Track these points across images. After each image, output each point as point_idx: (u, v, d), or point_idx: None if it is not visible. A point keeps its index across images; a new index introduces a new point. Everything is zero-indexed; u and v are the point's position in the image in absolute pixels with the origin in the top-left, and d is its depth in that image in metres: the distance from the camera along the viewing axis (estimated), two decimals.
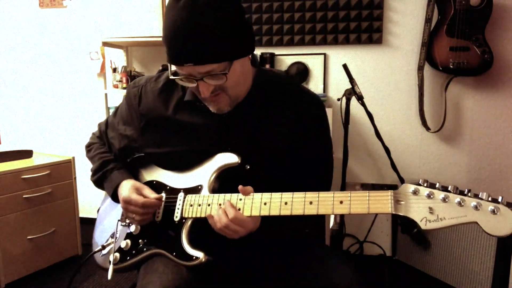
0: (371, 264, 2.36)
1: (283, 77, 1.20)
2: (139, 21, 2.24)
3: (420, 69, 2.25)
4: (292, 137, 1.05)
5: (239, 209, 0.93)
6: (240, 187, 0.93)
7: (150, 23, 2.23)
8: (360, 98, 1.90)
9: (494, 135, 2.29)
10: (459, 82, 2.27)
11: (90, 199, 2.85)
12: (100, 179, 1.16)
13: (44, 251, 2.19)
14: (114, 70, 2.47)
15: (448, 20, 2.11)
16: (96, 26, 2.32)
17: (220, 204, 0.96)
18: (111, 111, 2.43)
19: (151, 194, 1.05)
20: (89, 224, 2.70)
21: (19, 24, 2.84)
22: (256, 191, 0.94)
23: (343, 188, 2.02)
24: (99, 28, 2.31)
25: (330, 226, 2.19)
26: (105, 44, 2.39)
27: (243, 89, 1.02)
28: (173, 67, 0.96)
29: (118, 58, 2.60)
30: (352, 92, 1.92)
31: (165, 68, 2.45)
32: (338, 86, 2.40)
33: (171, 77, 0.95)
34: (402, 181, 1.98)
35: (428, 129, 2.31)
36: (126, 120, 1.15)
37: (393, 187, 2.63)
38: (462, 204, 0.75)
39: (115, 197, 1.12)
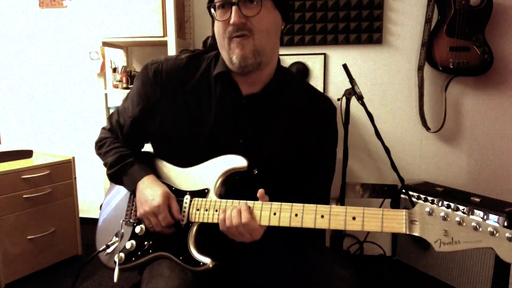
0: (371, 264, 2.36)
1: (301, 79, 1.20)
2: (139, 21, 2.24)
3: (420, 69, 2.25)
4: (303, 140, 1.05)
5: None
6: (260, 191, 0.92)
7: (150, 23, 2.23)
8: (360, 98, 1.90)
9: (494, 135, 2.29)
10: (459, 82, 2.27)
11: (90, 199, 2.85)
12: (118, 173, 1.12)
13: (44, 251, 2.18)
14: (114, 70, 2.46)
15: (448, 20, 2.11)
16: (96, 26, 2.32)
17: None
18: (111, 111, 2.43)
19: (177, 214, 1.01)
20: (89, 224, 2.70)
21: (19, 24, 2.85)
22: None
23: (343, 188, 2.02)
24: (99, 28, 2.31)
25: None
26: (105, 44, 2.39)
27: (270, 50, 1.01)
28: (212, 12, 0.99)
29: (118, 58, 2.60)
30: (352, 92, 1.92)
31: None
32: (338, 86, 2.40)
33: (207, 5, 0.98)
34: (402, 181, 1.98)
35: (428, 129, 2.31)
36: (140, 99, 1.11)
37: (393, 187, 2.62)
38: (478, 228, 0.74)
39: (135, 192, 1.09)
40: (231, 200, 0.96)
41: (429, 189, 2.15)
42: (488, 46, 2.09)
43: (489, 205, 1.87)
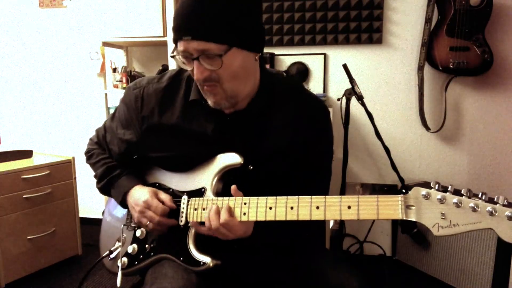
0: (371, 264, 2.36)
1: (290, 80, 1.16)
2: (139, 21, 2.24)
3: (420, 69, 2.25)
4: (295, 141, 1.03)
5: (244, 214, 0.91)
6: (233, 186, 0.93)
7: (150, 23, 2.23)
8: (360, 98, 1.90)
9: (494, 135, 2.29)
10: (459, 82, 2.27)
11: (90, 199, 2.85)
12: (106, 186, 1.13)
13: (44, 251, 2.18)
14: (114, 70, 2.47)
15: (448, 20, 2.11)
16: (96, 26, 2.32)
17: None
18: (111, 111, 2.43)
19: (168, 201, 1.02)
20: (89, 224, 2.70)
21: (19, 24, 2.85)
22: (259, 192, 0.93)
23: (343, 188, 2.03)
24: (99, 28, 2.31)
25: (330, 226, 2.19)
26: (105, 44, 2.39)
27: (243, 88, 0.97)
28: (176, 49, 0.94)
29: (118, 58, 2.60)
30: (352, 92, 1.92)
31: (165, 68, 2.44)
32: (338, 86, 2.40)
33: (170, 54, 0.94)
34: (402, 181, 1.98)
35: (428, 129, 2.31)
36: (125, 123, 1.11)
37: (393, 187, 2.63)
38: (477, 209, 0.71)
39: (123, 204, 1.10)
40: (227, 198, 0.95)
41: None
42: (488, 46, 2.09)
43: None
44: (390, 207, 0.79)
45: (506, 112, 2.26)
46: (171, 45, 2.23)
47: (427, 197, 0.76)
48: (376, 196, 0.81)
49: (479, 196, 0.72)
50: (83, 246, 2.41)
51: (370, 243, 2.39)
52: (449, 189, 0.76)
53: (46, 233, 2.18)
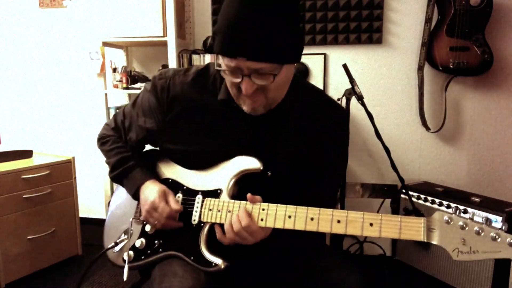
0: (371, 264, 2.36)
1: (311, 85, 1.17)
2: (139, 21, 2.24)
3: (420, 69, 2.25)
4: (315, 146, 1.04)
5: (262, 220, 0.92)
6: (248, 195, 0.93)
7: (150, 23, 2.23)
8: (360, 98, 1.90)
9: (494, 135, 2.29)
10: (459, 82, 2.27)
11: (90, 199, 2.85)
12: (119, 176, 1.13)
13: (44, 251, 2.18)
14: (114, 70, 2.46)
15: (448, 20, 2.11)
16: (96, 26, 2.32)
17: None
18: (111, 111, 2.44)
19: (174, 204, 1.02)
20: (89, 224, 2.71)
21: (19, 24, 2.85)
22: (276, 198, 0.93)
23: (343, 188, 2.02)
24: (99, 28, 2.31)
25: None
26: (105, 44, 2.39)
27: (281, 95, 0.99)
28: (221, 60, 0.92)
29: (118, 58, 2.60)
30: (352, 92, 1.91)
31: (164, 66, 2.42)
32: (338, 86, 2.40)
33: (217, 68, 0.92)
34: (402, 181, 1.98)
35: (428, 129, 2.31)
36: (148, 112, 1.11)
37: (393, 187, 2.61)
38: (497, 238, 0.74)
39: (135, 196, 1.10)
40: (244, 202, 0.95)
41: (429, 189, 2.15)
42: (488, 46, 2.09)
43: (489, 205, 1.87)
44: (413, 229, 0.81)
45: (506, 112, 2.26)
46: (171, 45, 2.23)
47: (449, 222, 0.78)
48: (399, 216, 0.83)
49: (500, 227, 0.75)
50: (83, 246, 2.41)
51: (370, 243, 2.39)
52: (469, 216, 0.78)
53: (46, 233, 2.18)
